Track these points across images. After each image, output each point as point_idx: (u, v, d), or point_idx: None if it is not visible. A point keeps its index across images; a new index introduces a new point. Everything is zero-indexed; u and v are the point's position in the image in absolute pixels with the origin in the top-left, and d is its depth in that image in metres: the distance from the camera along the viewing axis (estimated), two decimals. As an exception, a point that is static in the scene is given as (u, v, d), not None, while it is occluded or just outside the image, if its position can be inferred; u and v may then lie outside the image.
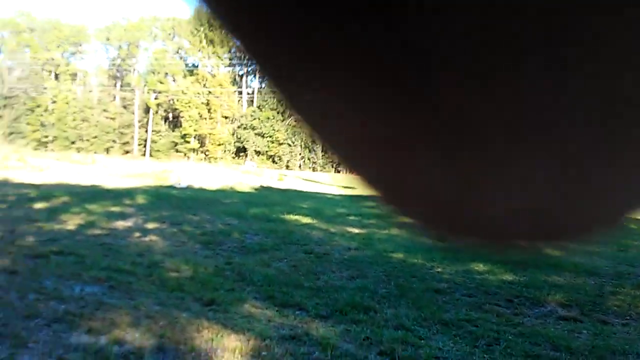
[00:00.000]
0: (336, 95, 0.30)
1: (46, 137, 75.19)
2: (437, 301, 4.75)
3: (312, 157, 72.70)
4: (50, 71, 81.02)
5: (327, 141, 0.39)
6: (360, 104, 0.30)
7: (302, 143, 73.64)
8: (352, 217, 10.37)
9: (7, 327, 3.32)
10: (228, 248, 6.65)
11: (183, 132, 72.66)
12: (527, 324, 4.26)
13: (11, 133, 73.45)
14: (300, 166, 72.45)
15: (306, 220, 9.41)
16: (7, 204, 9.34)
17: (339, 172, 70.62)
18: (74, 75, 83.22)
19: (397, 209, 0.43)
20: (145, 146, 75.62)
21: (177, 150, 73.87)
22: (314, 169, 71.30)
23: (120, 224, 7.77)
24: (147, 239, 6.89)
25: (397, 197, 0.41)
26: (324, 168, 72.06)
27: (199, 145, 72.82)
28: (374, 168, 0.38)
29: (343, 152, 0.39)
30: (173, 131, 76.12)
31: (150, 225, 7.78)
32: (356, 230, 8.51)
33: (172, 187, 17.45)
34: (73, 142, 73.88)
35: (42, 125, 75.67)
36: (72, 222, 7.56)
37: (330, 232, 8.24)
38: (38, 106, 76.20)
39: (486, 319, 4.33)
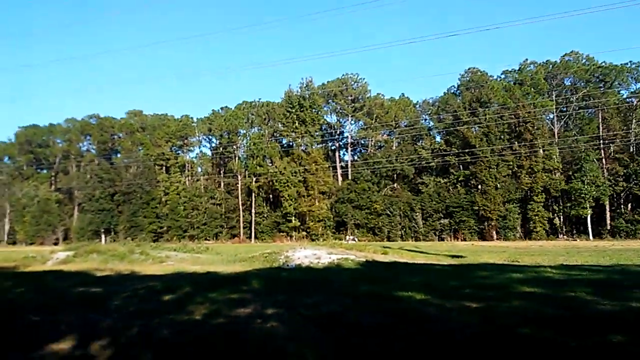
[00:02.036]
0: None
1: (161, 227, 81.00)
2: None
3: (413, 227, 71.60)
4: (161, 165, 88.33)
5: None
6: None
7: (401, 212, 73.09)
8: (467, 290, 10.02)
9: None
10: (346, 330, 6.69)
11: (284, 212, 75.17)
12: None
13: (130, 227, 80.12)
14: (402, 236, 71.45)
15: (419, 296, 9.24)
16: (138, 297, 10.12)
17: (442, 239, 68.69)
18: (182, 167, 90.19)
19: None
20: (250, 229, 78.85)
21: (279, 230, 76.19)
22: (416, 239, 69.99)
23: (241, 311, 8.11)
24: (267, 325, 7.12)
25: None
26: (427, 237, 70.53)
27: (299, 223, 74.67)
28: None
29: None
30: (274, 211, 79.01)
31: (269, 311, 8.04)
32: (474, 305, 8.21)
33: (281, 268, 17.98)
34: (185, 231, 78.80)
35: (157, 216, 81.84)
36: (198, 312, 8.03)
37: (446, 308, 8.02)
38: (153, 199, 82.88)
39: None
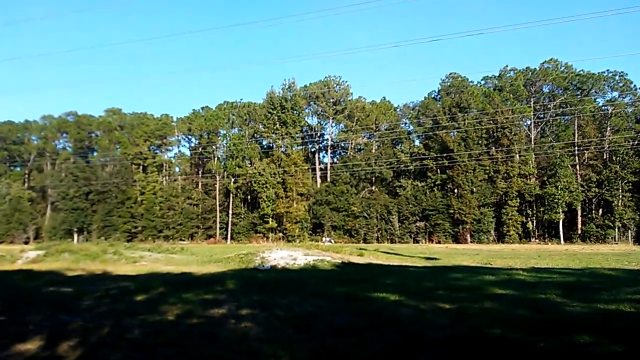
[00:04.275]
0: None
1: (136, 227, 79.81)
2: (545, 381, 4.51)
3: (390, 229, 71.97)
4: (138, 164, 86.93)
5: None
6: None
7: (378, 215, 73.41)
8: (440, 292, 10.12)
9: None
10: (320, 331, 6.69)
11: (262, 213, 74.77)
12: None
13: (104, 226, 78.76)
14: (378, 239, 71.79)
15: (393, 297, 9.29)
16: (110, 297, 9.96)
17: (417, 242, 69.16)
18: (159, 167, 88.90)
19: None
20: (226, 229, 78.19)
21: (256, 231, 75.77)
22: (391, 241, 70.40)
23: (215, 312, 8.05)
24: (242, 325, 7.08)
25: None
26: (402, 239, 71.00)
27: (276, 224, 74.39)
28: None
29: None
30: (252, 212, 78.56)
31: (243, 312, 7.99)
32: (447, 306, 8.30)
33: (256, 269, 17.91)
34: (160, 231, 77.71)
35: (132, 216, 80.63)
36: (171, 313, 7.94)
37: (420, 309, 8.09)
38: (128, 198, 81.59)
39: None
